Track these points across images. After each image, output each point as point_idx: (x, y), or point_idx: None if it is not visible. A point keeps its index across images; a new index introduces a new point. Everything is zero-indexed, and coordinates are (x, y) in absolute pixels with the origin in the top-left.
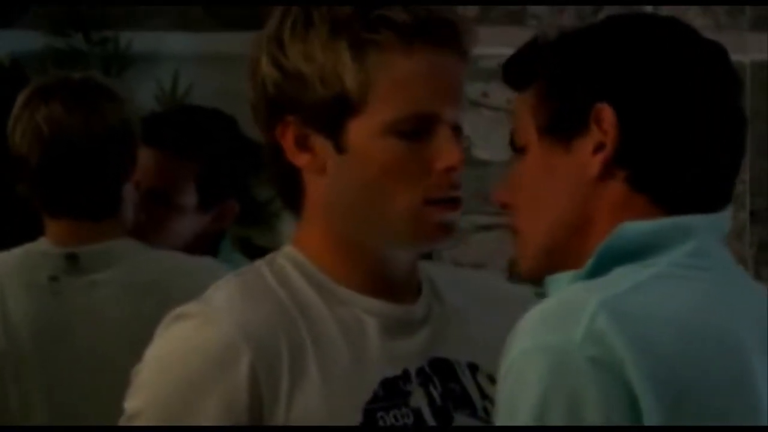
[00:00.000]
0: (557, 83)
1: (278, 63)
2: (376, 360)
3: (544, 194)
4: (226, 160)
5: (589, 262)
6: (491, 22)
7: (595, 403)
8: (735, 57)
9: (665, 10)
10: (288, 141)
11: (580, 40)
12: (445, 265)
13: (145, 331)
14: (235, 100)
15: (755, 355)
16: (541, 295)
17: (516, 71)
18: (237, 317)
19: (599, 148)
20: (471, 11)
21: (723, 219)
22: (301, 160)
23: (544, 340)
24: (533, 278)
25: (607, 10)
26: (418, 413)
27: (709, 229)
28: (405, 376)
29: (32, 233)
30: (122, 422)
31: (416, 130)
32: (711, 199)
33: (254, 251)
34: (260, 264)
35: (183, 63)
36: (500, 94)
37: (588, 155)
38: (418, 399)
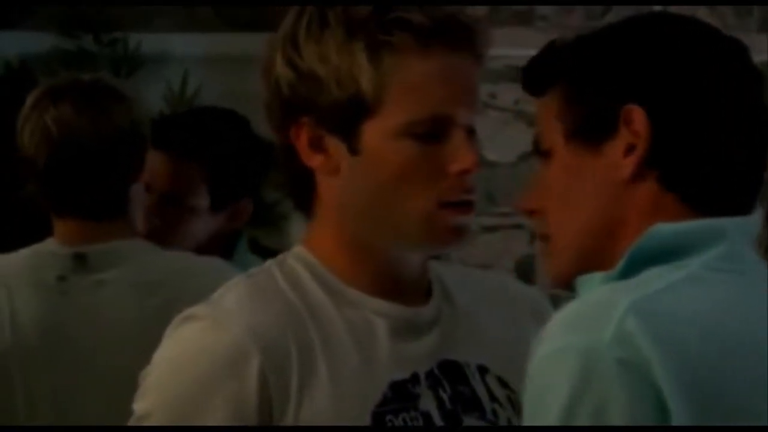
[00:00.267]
0: (583, 86)
1: (293, 63)
2: (386, 362)
3: (574, 198)
4: (237, 160)
5: (621, 263)
6: (499, 23)
7: (621, 406)
8: None
9: (673, 11)
10: (302, 142)
11: (604, 42)
12: (455, 266)
13: (153, 330)
14: (243, 101)
15: None
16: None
17: (535, 76)
18: (247, 319)
19: (630, 149)
20: (479, 12)
21: (753, 222)
22: (314, 161)
23: (573, 341)
24: (564, 283)
25: (616, 11)
26: (427, 416)
27: (740, 232)
28: (414, 379)
29: (40, 235)
30: (131, 423)
31: (431, 132)
32: (740, 199)
33: (263, 252)
34: (270, 265)
35: (192, 64)
36: (508, 95)
37: (619, 157)
38: (427, 402)
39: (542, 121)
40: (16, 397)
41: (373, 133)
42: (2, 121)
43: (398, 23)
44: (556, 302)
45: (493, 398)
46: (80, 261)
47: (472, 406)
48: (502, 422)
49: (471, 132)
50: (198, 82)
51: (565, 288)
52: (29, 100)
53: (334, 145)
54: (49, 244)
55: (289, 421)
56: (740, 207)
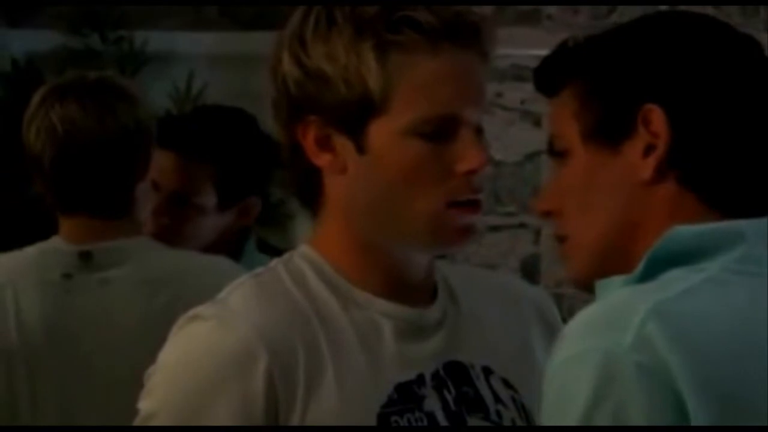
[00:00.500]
0: (600, 86)
1: (300, 62)
2: (391, 364)
3: (593, 198)
4: (244, 158)
5: (640, 266)
6: (505, 23)
7: (641, 410)
8: None
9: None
10: (309, 141)
11: (620, 41)
12: (461, 266)
13: (158, 329)
14: (249, 100)
15: None
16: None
17: (548, 76)
18: (253, 319)
19: (649, 150)
20: (485, 11)
21: None
22: (321, 160)
23: (593, 345)
24: (582, 284)
25: (621, 11)
26: (431, 417)
27: (758, 234)
28: (419, 380)
29: (45, 233)
30: (137, 423)
31: (439, 131)
32: (759, 199)
33: (270, 251)
34: (277, 264)
35: (198, 63)
36: (514, 94)
37: (637, 158)
38: (432, 403)
39: (557, 121)
40: (21, 394)
41: (381, 132)
42: (9, 119)
43: (406, 22)
44: (561, 302)
45: (497, 399)
46: (86, 259)
47: (477, 407)
48: (506, 423)
49: (479, 131)
50: (204, 81)
51: (584, 289)
52: (35, 99)
53: (342, 144)
54: (55, 242)
55: (295, 421)
56: (759, 207)
